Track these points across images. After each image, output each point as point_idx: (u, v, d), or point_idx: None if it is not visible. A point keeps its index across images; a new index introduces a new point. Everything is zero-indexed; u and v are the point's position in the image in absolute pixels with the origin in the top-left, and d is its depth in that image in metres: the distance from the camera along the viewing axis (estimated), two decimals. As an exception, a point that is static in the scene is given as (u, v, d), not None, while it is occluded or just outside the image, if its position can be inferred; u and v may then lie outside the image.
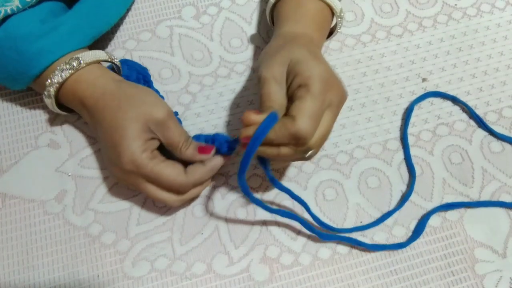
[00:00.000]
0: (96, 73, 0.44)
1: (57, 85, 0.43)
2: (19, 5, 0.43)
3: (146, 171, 0.40)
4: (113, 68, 0.47)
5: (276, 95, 0.40)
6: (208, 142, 0.44)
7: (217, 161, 0.43)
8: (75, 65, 0.43)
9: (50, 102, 0.44)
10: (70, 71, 0.43)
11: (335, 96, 0.40)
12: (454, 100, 0.51)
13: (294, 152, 0.39)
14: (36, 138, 0.49)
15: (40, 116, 0.50)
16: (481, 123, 0.50)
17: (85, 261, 0.44)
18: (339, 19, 0.48)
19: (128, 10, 0.55)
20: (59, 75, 0.43)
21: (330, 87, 0.40)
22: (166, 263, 0.44)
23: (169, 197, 0.42)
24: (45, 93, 0.44)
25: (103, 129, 0.42)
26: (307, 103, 0.38)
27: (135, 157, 0.40)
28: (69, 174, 0.48)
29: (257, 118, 0.38)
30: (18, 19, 0.43)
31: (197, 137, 0.44)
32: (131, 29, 0.54)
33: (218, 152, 0.43)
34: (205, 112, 0.50)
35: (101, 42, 0.53)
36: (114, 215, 0.46)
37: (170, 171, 0.41)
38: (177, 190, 0.42)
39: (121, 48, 0.53)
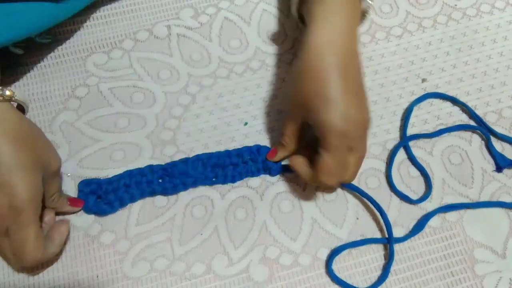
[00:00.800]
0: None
1: None
2: None
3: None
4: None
5: (288, 128, 0.45)
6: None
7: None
8: None
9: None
10: None
11: (353, 138, 0.41)
12: (454, 100, 0.51)
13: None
14: (36, 138, 0.49)
15: (38, 116, 0.50)
16: (481, 123, 0.50)
17: (84, 262, 0.44)
18: (370, 2, 0.47)
19: (127, 9, 0.55)
20: None
21: (347, 134, 0.40)
22: (166, 264, 0.44)
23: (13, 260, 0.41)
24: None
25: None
26: (323, 161, 0.41)
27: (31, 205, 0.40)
28: (68, 174, 0.47)
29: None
30: None
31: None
32: (128, 29, 0.54)
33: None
34: (205, 113, 0.50)
35: (100, 41, 0.53)
36: (113, 216, 0.46)
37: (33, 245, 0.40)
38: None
39: (119, 48, 0.53)
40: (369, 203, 0.46)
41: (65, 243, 0.44)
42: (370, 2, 0.46)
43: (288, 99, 0.44)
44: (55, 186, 0.43)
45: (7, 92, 0.41)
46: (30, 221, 0.39)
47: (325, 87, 0.40)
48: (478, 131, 0.50)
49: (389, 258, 0.44)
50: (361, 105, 0.42)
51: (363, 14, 0.48)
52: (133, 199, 0.46)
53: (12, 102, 0.42)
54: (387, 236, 0.45)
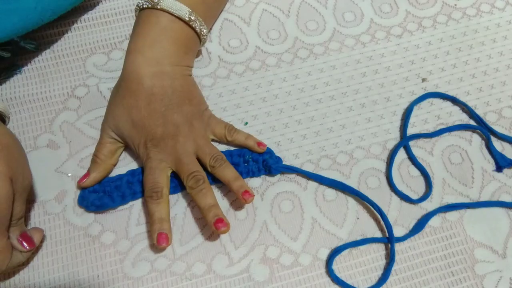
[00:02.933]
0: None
1: None
2: None
3: None
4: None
5: (104, 146, 0.47)
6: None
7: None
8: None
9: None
10: None
11: None
12: (454, 100, 0.51)
13: None
14: (35, 138, 0.49)
15: (39, 116, 0.50)
16: (481, 123, 0.50)
17: (85, 261, 0.44)
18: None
19: (127, 10, 0.55)
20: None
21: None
22: (166, 264, 0.44)
23: None
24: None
25: None
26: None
27: None
28: (69, 174, 0.48)
29: None
30: None
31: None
32: (129, 30, 0.54)
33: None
34: (205, 112, 0.50)
35: (100, 42, 0.53)
36: (114, 215, 0.46)
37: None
38: None
39: (118, 49, 0.53)
40: (367, 203, 0.46)
41: (36, 251, 0.44)
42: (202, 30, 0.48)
43: (106, 120, 0.47)
44: (21, 207, 0.40)
45: None
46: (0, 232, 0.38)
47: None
48: (478, 130, 0.50)
49: (390, 259, 0.44)
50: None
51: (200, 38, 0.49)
52: (135, 196, 0.46)
53: None
54: (387, 236, 0.45)
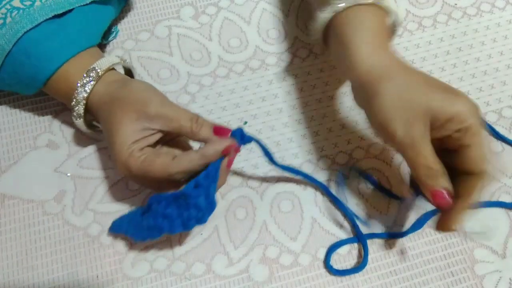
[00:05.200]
0: (105, 80, 0.42)
1: (84, 101, 0.42)
2: None
3: (137, 174, 0.39)
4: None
5: (426, 159, 0.36)
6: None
7: (211, 150, 0.39)
8: (93, 75, 0.42)
9: (80, 122, 0.43)
10: (92, 83, 0.42)
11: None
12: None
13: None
14: (35, 138, 0.49)
15: (38, 116, 0.50)
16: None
17: (84, 262, 0.44)
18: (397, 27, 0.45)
19: (127, 9, 0.55)
20: (83, 91, 0.41)
21: (478, 110, 0.36)
22: (166, 264, 0.44)
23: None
24: (74, 113, 0.42)
25: (103, 134, 0.42)
26: (480, 150, 0.36)
27: (123, 163, 0.39)
28: (68, 174, 0.47)
29: None
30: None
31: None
32: (129, 29, 0.54)
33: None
34: (204, 112, 0.50)
35: (105, 43, 0.53)
36: (114, 215, 0.46)
37: (158, 165, 0.38)
38: (173, 182, 0.40)
39: (120, 48, 0.53)
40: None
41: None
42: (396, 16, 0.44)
43: (403, 127, 0.36)
44: (177, 119, 0.40)
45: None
46: None
47: (437, 81, 0.38)
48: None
49: (364, 255, 0.44)
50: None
51: (393, 30, 0.45)
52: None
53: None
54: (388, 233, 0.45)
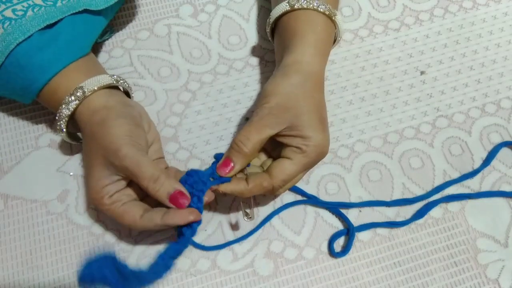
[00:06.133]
0: (90, 105, 0.42)
1: (66, 119, 0.42)
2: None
3: (105, 214, 0.40)
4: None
5: (259, 135, 0.40)
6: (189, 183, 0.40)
7: (171, 222, 0.38)
8: (79, 95, 0.41)
9: (63, 136, 0.43)
10: (76, 103, 0.41)
11: (317, 163, 0.43)
12: None
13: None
14: (37, 138, 0.49)
15: (40, 117, 0.50)
16: None
17: (89, 260, 0.44)
18: (338, 38, 0.49)
19: (126, 8, 0.55)
20: (66, 108, 0.41)
21: (321, 156, 0.42)
22: (171, 260, 0.44)
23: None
24: (57, 127, 0.42)
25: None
26: (293, 169, 0.40)
27: (94, 202, 0.40)
28: (71, 173, 0.47)
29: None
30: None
31: (193, 173, 0.41)
32: (129, 28, 0.54)
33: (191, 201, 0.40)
34: (205, 109, 0.51)
35: (99, 42, 0.53)
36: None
37: (126, 220, 0.39)
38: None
39: (119, 47, 0.53)
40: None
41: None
42: (339, 38, 0.48)
43: (270, 111, 0.41)
44: (138, 175, 0.39)
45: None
46: None
47: (324, 107, 0.43)
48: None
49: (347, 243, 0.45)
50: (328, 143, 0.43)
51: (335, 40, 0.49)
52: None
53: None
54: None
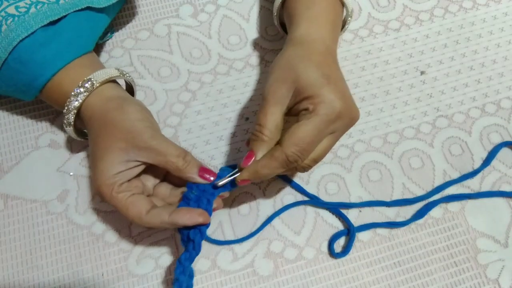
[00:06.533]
0: (103, 94, 0.42)
1: (75, 111, 0.42)
2: None
3: (110, 203, 0.40)
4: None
5: (272, 116, 0.39)
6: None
7: (180, 222, 0.38)
8: (88, 86, 0.41)
9: (70, 130, 0.43)
10: (85, 94, 0.41)
11: (342, 124, 0.40)
12: None
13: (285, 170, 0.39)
14: (37, 138, 0.49)
15: (40, 116, 0.50)
16: None
17: (89, 260, 0.44)
18: (349, 18, 0.48)
19: (126, 8, 0.55)
20: (76, 100, 0.41)
21: (338, 117, 0.39)
22: (171, 260, 0.44)
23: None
24: (65, 121, 0.42)
25: (90, 151, 0.43)
26: (303, 130, 0.38)
27: (100, 191, 0.39)
28: (71, 173, 0.47)
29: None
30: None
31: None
32: (129, 28, 0.54)
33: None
34: (205, 109, 0.51)
35: (100, 43, 0.53)
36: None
37: (131, 213, 0.39)
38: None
39: (119, 47, 0.53)
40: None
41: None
42: (349, 17, 0.48)
43: (273, 83, 0.40)
44: (165, 154, 0.40)
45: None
46: None
47: (332, 67, 0.41)
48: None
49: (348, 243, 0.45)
50: (351, 105, 0.41)
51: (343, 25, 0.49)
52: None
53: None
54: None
